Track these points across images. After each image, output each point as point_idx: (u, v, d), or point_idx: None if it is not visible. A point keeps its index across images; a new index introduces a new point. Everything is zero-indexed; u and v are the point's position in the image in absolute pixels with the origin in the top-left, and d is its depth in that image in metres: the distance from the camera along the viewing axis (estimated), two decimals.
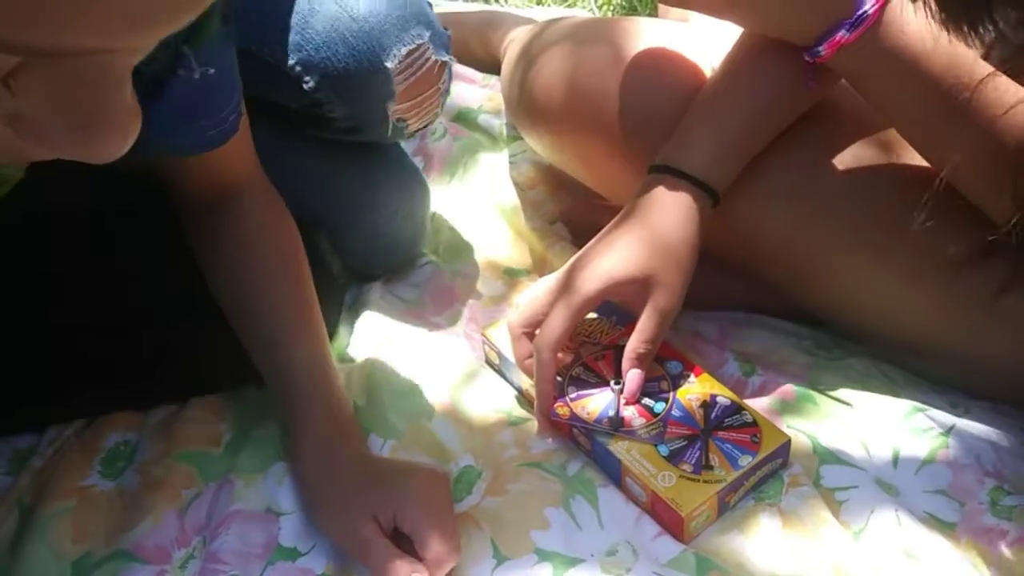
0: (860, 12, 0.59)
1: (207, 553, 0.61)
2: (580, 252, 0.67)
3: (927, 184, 0.67)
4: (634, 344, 0.66)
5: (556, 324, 0.65)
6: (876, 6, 0.59)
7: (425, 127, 0.78)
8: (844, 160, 0.71)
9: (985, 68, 0.60)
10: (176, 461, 0.67)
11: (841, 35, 0.60)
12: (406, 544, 0.57)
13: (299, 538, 0.61)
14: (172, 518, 0.63)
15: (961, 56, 0.60)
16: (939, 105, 0.60)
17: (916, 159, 0.68)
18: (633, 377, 0.66)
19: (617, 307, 0.74)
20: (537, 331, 0.67)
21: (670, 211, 0.65)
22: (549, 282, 0.68)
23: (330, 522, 0.59)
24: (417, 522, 0.57)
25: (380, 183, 0.81)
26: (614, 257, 0.65)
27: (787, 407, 0.70)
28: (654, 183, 0.67)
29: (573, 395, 0.69)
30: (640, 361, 0.66)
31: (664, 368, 0.70)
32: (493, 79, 1.09)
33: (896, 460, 0.66)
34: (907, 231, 0.69)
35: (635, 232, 0.65)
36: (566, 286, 0.66)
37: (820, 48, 0.61)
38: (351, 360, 0.76)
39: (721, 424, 0.66)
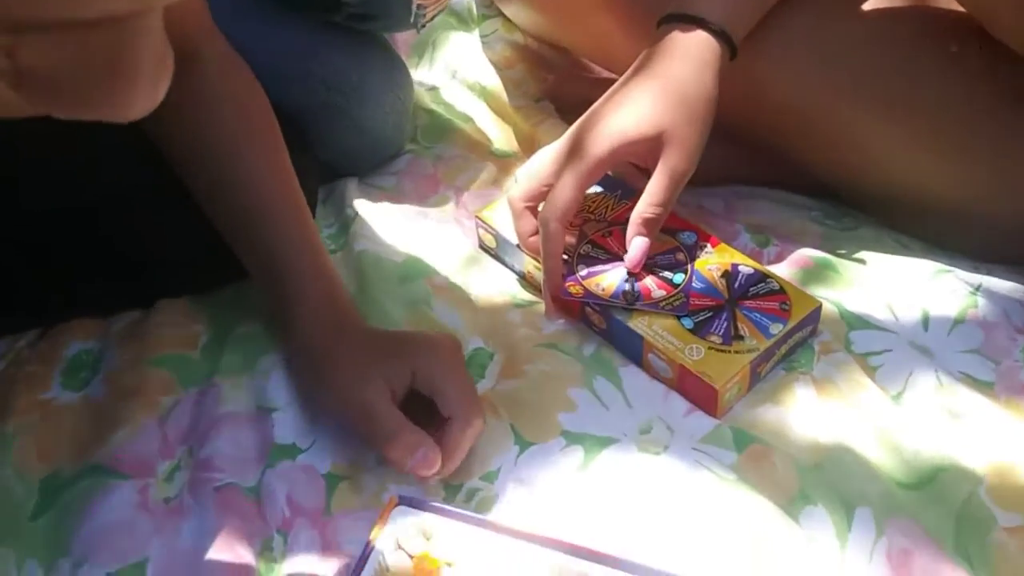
0: None
1: (197, 461, 0.54)
2: (586, 113, 0.61)
3: (953, 31, 0.63)
4: (642, 208, 0.60)
5: (565, 192, 0.59)
6: None
7: (435, 17, 0.70)
8: (861, 8, 0.65)
9: None
10: (150, 367, 0.59)
11: None
12: (422, 421, 0.52)
13: (297, 433, 0.55)
14: (152, 427, 0.56)
15: None
16: None
17: (941, 3, 0.64)
18: (638, 245, 0.60)
19: (621, 181, 0.68)
20: (541, 205, 0.61)
21: (685, 62, 0.60)
22: (553, 149, 0.62)
23: (335, 400, 0.53)
24: (440, 380, 0.51)
25: (369, 74, 0.73)
26: (625, 114, 0.59)
27: (807, 275, 0.67)
28: (667, 33, 0.61)
29: (584, 273, 0.63)
30: (648, 227, 0.60)
31: (678, 239, 0.65)
32: None
33: (926, 322, 0.63)
34: (926, 83, 0.65)
35: (647, 86, 0.59)
36: (573, 150, 0.59)
37: None
38: (332, 252, 0.70)
39: (747, 293, 0.61)
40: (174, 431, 0.57)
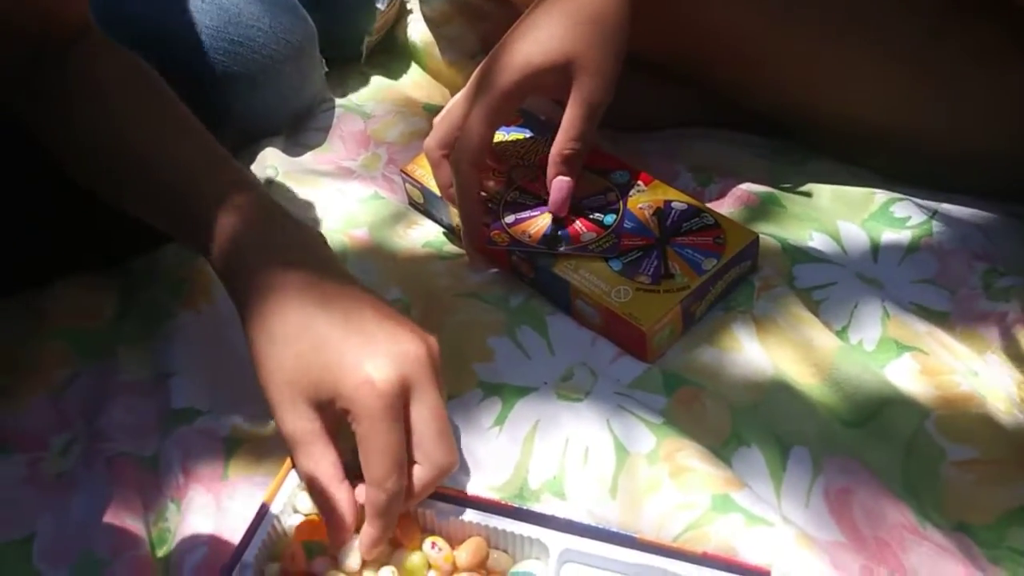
0: None
1: (91, 432, 0.51)
2: (496, 46, 0.57)
3: None
4: (559, 145, 0.56)
5: (472, 130, 0.55)
6: None
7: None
8: None
9: None
10: (46, 340, 0.56)
11: None
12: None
13: (195, 396, 0.52)
14: (43, 402, 0.53)
15: None
16: None
17: None
18: (560, 185, 0.56)
19: (549, 123, 0.65)
20: None
21: None
22: (462, 93, 0.58)
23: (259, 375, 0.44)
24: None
25: (254, 15, 0.69)
26: (530, 42, 0.55)
27: (751, 212, 0.62)
28: None
29: (510, 220, 0.59)
30: (568, 164, 0.56)
31: (609, 179, 0.61)
32: None
33: (876, 252, 0.59)
34: (873, 9, 0.60)
35: (554, 10, 0.55)
36: (480, 86, 0.56)
37: None
38: None
39: (679, 229, 0.57)
40: (72, 404, 0.53)
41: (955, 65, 0.60)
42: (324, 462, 0.42)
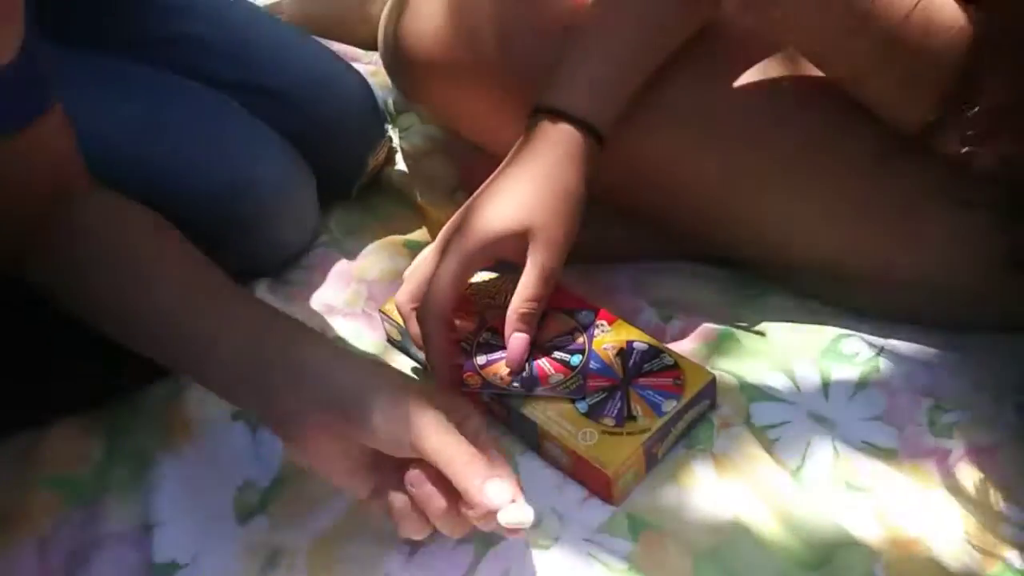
0: None
1: None
2: (461, 208, 0.62)
3: (821, 99, 0.64)
4: (515, 303, 0.60)
5: (437, 292, 0.59)
6: None
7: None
8: (734, 86, 0.67)
9: None
10: (39, 489, 0.58)
11: None
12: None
13: (177, 547, 0.54)
14: (29, 552, 0.55)
15: None
16: (841, 13, 0.56)
17: (812, 71, 0.65)
18: (516, 342, 0.60)
19: (518, 266, 0.69)
20: None
21: (548, 157, 0.60)
22: (431, 249, 0.62)
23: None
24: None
25: (261, 172, 0.74)
26: (489, 213, 0.59)
27: (710, 349, 0.66)
28: (533, 127, 0.62)
29: (482, 362, 0.63)
30: (524, 321, 0.60)
31: (575, 319, 0.65)
32: (375, 55, 1.03)
33: (827, 390, 0.62)
34: (805, 150, 0.65)
35: (510, 184, 0.60)
36: (446, 250, 0.60)
37: None
38: None
39: (641, 370, 0.61)
40: (56, 554, 0.55)
41: (901, 201, 0.65)
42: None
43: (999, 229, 0.56)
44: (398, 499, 0.48)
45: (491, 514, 0.46)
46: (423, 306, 0.59)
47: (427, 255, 0.62)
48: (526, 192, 0.59)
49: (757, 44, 0.67)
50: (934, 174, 0.63)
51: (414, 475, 0.47)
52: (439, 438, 0.46)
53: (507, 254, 0.60)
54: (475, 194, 0.61)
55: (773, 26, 0.62)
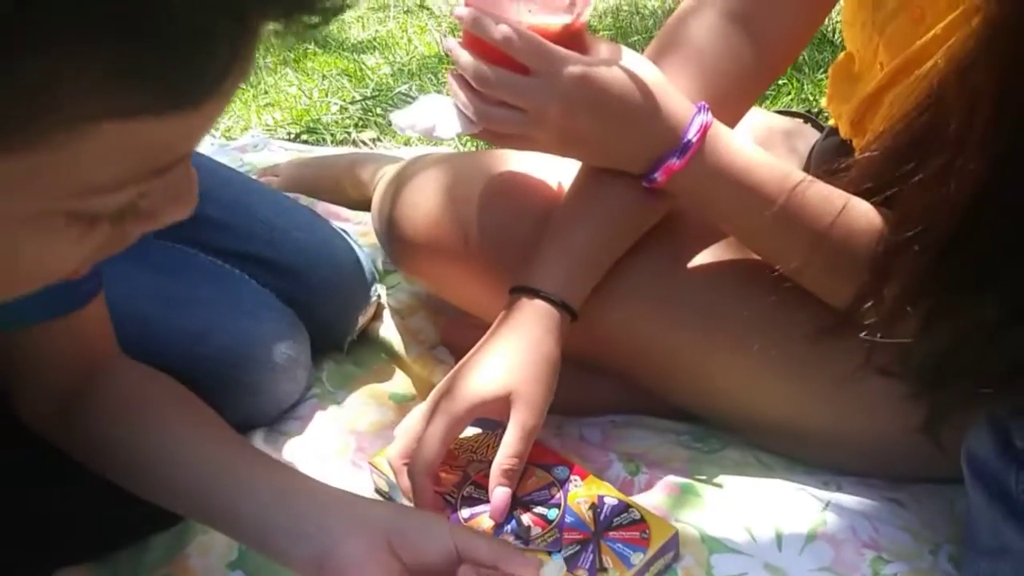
0: (685, 140, 0.65)
1: None
2: (448, 375, 0.69)
3: (771, 277, 0.73)
4: (499, 460, 0.66)
5: (427, 449, 0.65)
6: (699, 133, 0.65)
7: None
8: (691, 265, 0.76)
9: (801, 175, 0.67)
10: None
11: (672, 162, 0.65)
12: None
13: None
14: None
15: (780, 167, 0.67)
16: (766, 213, 0.66)
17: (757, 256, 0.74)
18: (498, 496, 0.66)
19: (502, 421, 0.75)
20: None
21: (528, 329, 0.68)
22: (420, 409, 0.69)
23: None
24: None
25: (262, 334, 0.81)
26: (476, 378, 0.66)
27: (673, 501, 0.72)
28: (513, 303, 0.70)
29: (467, 515, 0.68)
30: (506, 476, 0.66)
31: (552, 474, 0.71)
32: (365, 216, 1.12)
33: (780, 542, 0.68)
34: (757, 322, 0.74)
35: (495, 352, 0.67)
36: (436, 410, 0.66)
37: (655, 175, 0.66)
38: None
39: (611, 524, 0.67)
40: None
41: (842, 367, 0.72)
42: None
43: (911, 398, 0.63)
44: None
45: None
46: (413, 462, 0.65)
47: (417, 414, 0.68)
48: (509, 360, 0.66)
49: (712, 230, 0.77)
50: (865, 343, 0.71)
51: (467, 568, 0.54)
52: (487, 541, 0.56)
53: (492, 415, 0.67)
54: (462, 361, 0.69)
55: (716, 222, 0.72)
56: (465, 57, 0.65)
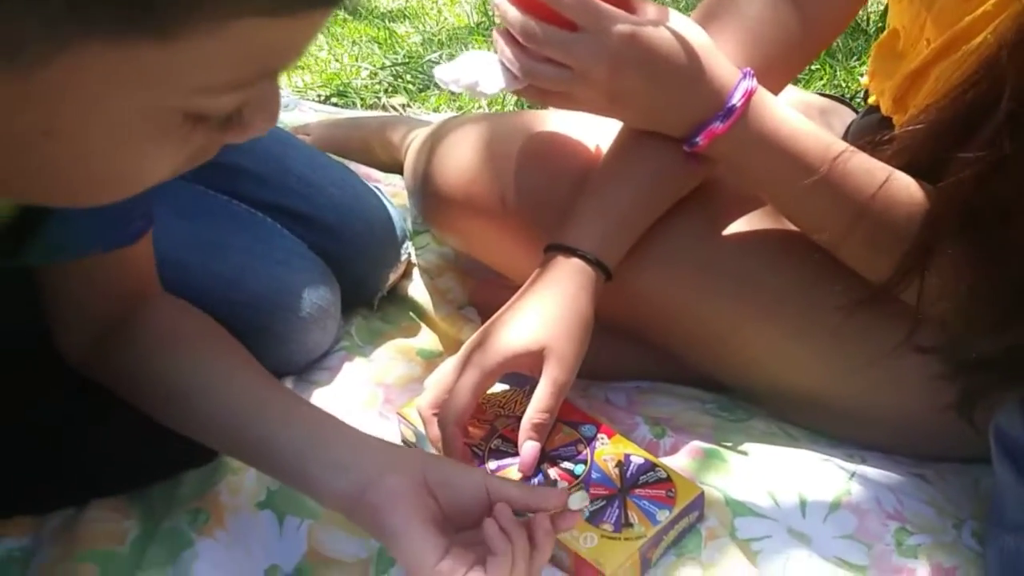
0: (729, 104, 0.65)
1: None
2: (480, 328, 0.69)
3: (807, 247, 0.73)
4: (530, 414, 0.66)
5: (458, 400, 0.65)
6: (744, 98, 0.65)
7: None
8: (726, 232, 0.76)
9: (843, 145, 0.67)
10: (77, 562, 0.63)
11: (715, 126, 0.65)
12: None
13: None
14: None
15: (823, 137, 0.67)
16: (807, 182, 0.65)
17: (792, 226, 0.74)
18: (528, 449, 0.66)
19: (530, 377, 0.75)
20: None
21: (563, 286, 0.68)
22: (452, 361, 0.69)
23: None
24: None
25: (294, 283, 0.81)
26: (510, 332, 0.67)
27: (698, 465, 0.73)
28: (548, 261, 0.70)
29: (494, 467, 0.69)
30: (536, 431, 0.67)
31: (579, 432, 0.71)
32: (396, 178, 1.12)
33: (804, 509, 0.69)
34: (791, 292, 0.74)
35: (529, 307, 0.68)
36: (467, 363, 0.67)
37: (697, 139, 0.66)
38: None
39: (637, 482, 0.67)
40: None
41: (877, 343, 0.72)
42: None
43: (944, 378, 0.64)
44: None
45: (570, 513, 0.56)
46: (443, 413, 0.66)
47: (448, 366, 0.69)
48: (543, 315, 0.66)
49: (749, 198, 0.77)
50: (902, 320, 0.71)
51: (501, 506, 0.55)
52: (517, 485, 0.57)
53: (524, 368, 0.67)
54: (496, 315, 0.69)
55: (755, 190, 0.72)
56: (512, 12, 0.65)
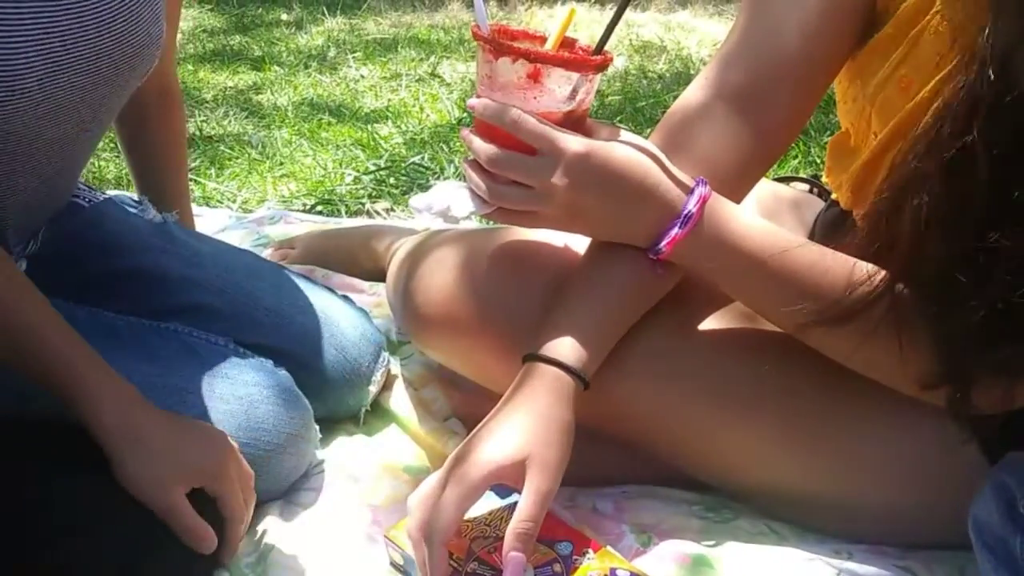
0: (686, 211, 0.68)
1: None
2: (463, 442, 0.70)
3: (781, 342, 0.74)
4: (514, 524, 0.66)
5: (443, 517, 0.66)
6: (699, 204, 0.68)
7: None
8: (700, 336, 0.77)
9: (799, 240, 0.69)
10: None
11: (675, 233, 0.68)
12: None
13: None
14: None
15: (777, 233, 0.69)
16: (763, 274, 0.68)
17: (765, 324, 0.76)
18: (512, 560, 0.66)
19: (515, 489, 0.76)
20: None
21: (542, 396, 0.69)
22: (435, 477, 0.69)
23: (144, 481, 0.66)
24: (218, 485, 0.70)
25: (259, 417, 0.82)
26: (491, 444, 0.67)
27: (686, 572, 0.73)
28: (526, 372, 0.71)
29: None
30: (521, 541, 0.66)
31: (555, 550, 0.71)
32: (380, 287, 1.15)
33: None
34: (769, 394, 0.75)
35: (509, 419, 0.69)
36: (450, 478, 0.67)
37: (660, 246, 0.69)
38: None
39: None
40: None
41: (847, 427, 0.74)
42: None
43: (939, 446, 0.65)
44: None
45: None
46: (427, 531, 0.66)
47: (432, 483, 0.68)
48: (523, 425, 0.67)
49: (720, 297, 0.78)
50: (872, 399, 0.72)
51: None
52: None
53: (508, 480, 0.67)
54: (476, 428, 0.70)
55: (721, 288, 0.74)
56: (478, 142, 0.70)
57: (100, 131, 0.85)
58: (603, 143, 0.69)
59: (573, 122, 0.69)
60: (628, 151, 0.69)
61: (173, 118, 1.07)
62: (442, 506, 0.66)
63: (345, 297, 1.00)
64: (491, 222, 0.82)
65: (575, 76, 0.67)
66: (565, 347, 0.71)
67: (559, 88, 0.68)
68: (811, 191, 1.09)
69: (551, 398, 0.69)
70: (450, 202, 0.72)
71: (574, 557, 0.70)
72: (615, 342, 0.74)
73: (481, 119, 0.70)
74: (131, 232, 0.93)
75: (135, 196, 1.03)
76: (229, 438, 0.72)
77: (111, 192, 1.00)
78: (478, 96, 0.70)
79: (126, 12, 0.75)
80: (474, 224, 1.28)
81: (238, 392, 0.82)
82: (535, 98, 0.68)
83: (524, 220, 0.72)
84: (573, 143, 0.68)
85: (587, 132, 0.71)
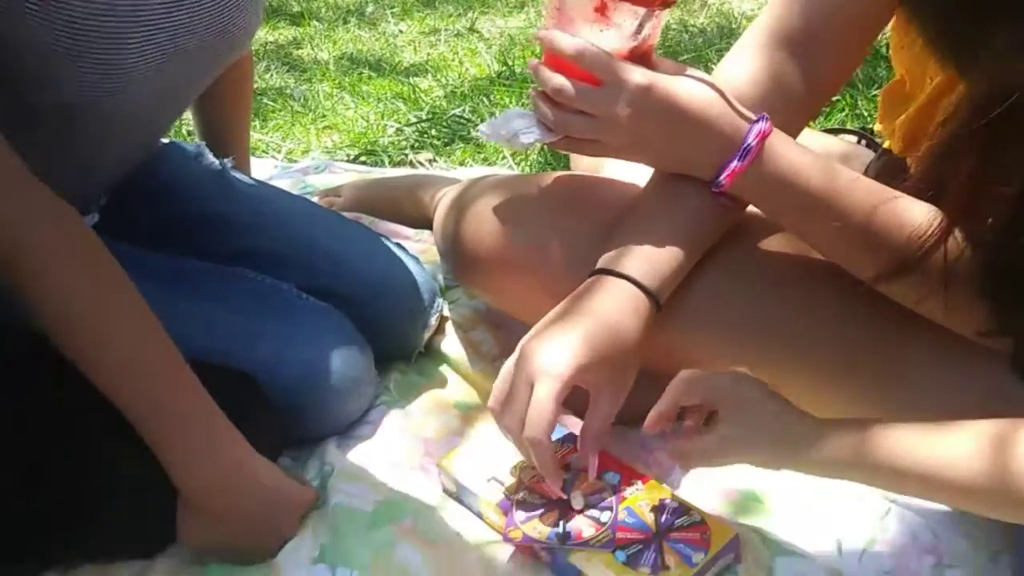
0: (745, 145, 0.68)
1: None
2: (525, 341, 0.69)
3: (833, 286, 0.74)
4: (589, 422, 0.68)
5: (542, 413, 0.65)
6: (758, 138, 0.68)
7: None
8: (754, 277, 0.77)
9: (852, 173, 0.70)
10: None
11: (734, 165, 0.69)
12: None
13: None
14: None
15: (835, 168, 0.69)
16: (824, 210, 0.68)
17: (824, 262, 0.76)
18: (590, 455, 0.69)
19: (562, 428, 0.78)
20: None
21: (614, 302, 0.69)
22: (507, 384, 0.68)
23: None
24: None
25: (325, 365, 0.83)
26: (569, 344, 0.66)
27: (734, 507, 0.74)
28: (597, 284, 0.70)
29: (522, 518, 0.71)
30: (596, 437, 0.68)
31: (604, 480, 0.73)
32: (425, 234, 1.16)
33: (840, 548, 0.70)
34: (820, 337, 0.75)
35: (584, 323, 0.67)
36: (538, 377, 0.66)
37: (720, 179, 0.70)
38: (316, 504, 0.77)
39: (672, 526, 0.69)
40: None
41: (914, 363, 0.74)
42: None
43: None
44: None
45: None
46: (530, 428, 0.65)
47: (509, 388, 0.68)
48: (597, 332, 0.67)
49: (772, 234, 0.78)
50: (934, 346, 0.72)
51: None
52: None
53: (584, 384, 0.67)
54: (539, 328, 0.69)
55: (774, 219, 0.74)
56: (545, 72, 0.71)
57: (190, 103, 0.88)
58: (666, 76, 0.70)
59: (638, 57, 0.70)
60: (691, 84, 0.69)
61: (245, 75, 1.07)
62: (535, 405, 0.65)
63: (398, 245, 1.02)
64: (552, 151, 0.81)
65: (641, 11, 0.68)
66: (636, 265, 0.70)
67: (625, 22, 0.68)
68: (859, 142, 1.08)
69: (623, 305, 0.69)
70: (518, 129, 0.74)
71: (623, 487, 0.72)
72: (683, 274, 0.73)
73: (548, 50, 0.71)
74: (193, 178, 0.95)
75: (191, 144, 1.04)
76: (303, 498, 0.74)
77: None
78: (547, 27, 0.71)
79: (232, 7, 0.77)
80: (523, 164, 1.28)
81: (305, 337, 0.83)
82: (601, 31, 0.69)
83: (588, 148, 0.73)
84: (636, 75, 0.68)
85: (652, 68, 0.71)
